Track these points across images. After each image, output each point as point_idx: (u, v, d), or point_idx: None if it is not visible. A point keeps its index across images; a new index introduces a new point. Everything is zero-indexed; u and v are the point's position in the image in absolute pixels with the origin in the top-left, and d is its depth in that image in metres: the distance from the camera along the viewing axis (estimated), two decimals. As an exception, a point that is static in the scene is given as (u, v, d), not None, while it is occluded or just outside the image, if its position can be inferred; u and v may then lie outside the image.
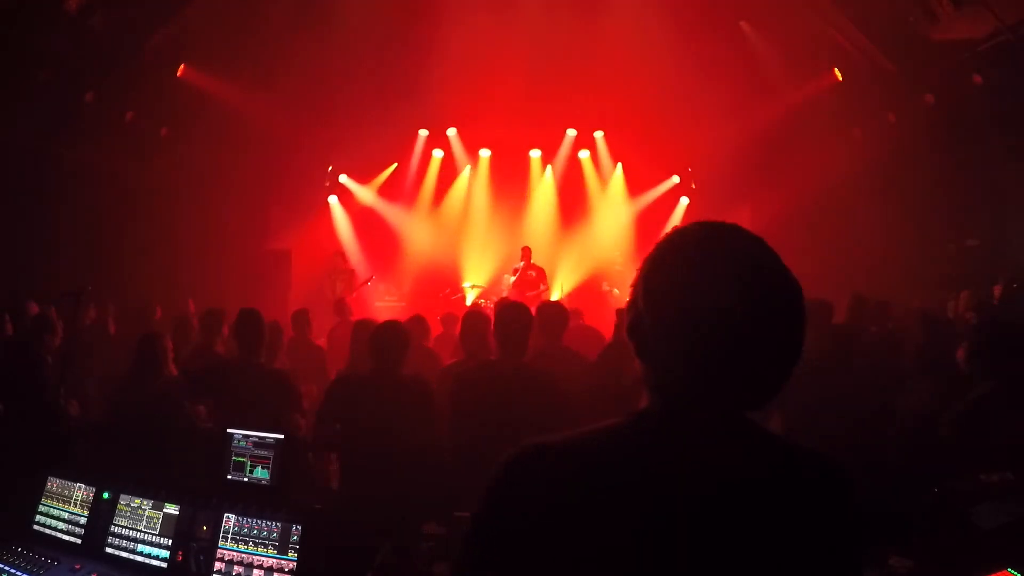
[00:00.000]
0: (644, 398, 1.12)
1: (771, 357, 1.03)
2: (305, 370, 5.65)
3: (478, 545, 1.07)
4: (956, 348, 4.97)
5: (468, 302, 11.73)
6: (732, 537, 0.99)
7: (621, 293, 11.03)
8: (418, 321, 5.98)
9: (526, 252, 11.03)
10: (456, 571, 1.10)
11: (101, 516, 2.66)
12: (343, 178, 13.09)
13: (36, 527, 2.76)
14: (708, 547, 0.98)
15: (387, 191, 13.31)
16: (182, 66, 9.45)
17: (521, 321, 3.64)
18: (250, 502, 2.53)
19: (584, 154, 13.25)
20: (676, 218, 12.96)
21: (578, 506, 1.00)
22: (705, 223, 1.09)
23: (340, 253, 11.57)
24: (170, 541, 2.52)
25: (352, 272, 11.26)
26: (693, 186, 13.08)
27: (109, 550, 2.61)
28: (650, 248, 1.13)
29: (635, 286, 1.10)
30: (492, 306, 9.60)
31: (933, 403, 4.11)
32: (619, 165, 13.23)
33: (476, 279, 12.53)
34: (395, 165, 13.17)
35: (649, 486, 1.01)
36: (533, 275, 10.85)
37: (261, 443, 2.84)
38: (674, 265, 1.06)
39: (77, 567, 2.54)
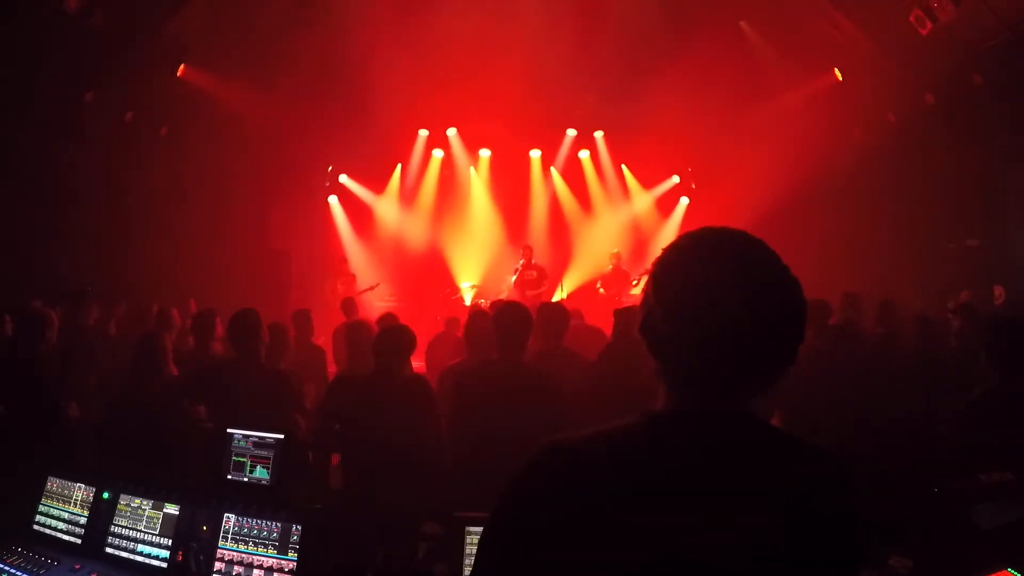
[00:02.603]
0: (659, 395, 1.16)
1: (773, 349, 1.09)
2: (305, 370, 5.65)
3: (498, 541, 1.09)
4: (949, 348, 4.98)
5: (467, 302, 11.73)
6: (748, 532, 1.02)
7: (607, 292, 11.04)
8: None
9: (527, 252, 11.03)
10: (476, 567, 1.12)
11: (101, 516, 2.66)
12: (343, 178, 13.09)
13: (36, 527, 2.76)
14: (725, 543, 1.01)
15: (386, 191, 13.32)
16: (182, 66, 9.45)
17: (520, 321, 3.64)
18: (250, 502, 2.53)
19: (584, 154, 13.25)
20: (676, 218, 12.97)
21: (597, 504, 1.03)
22: (712, 228, 1.16)
23: (342, 257, 11.57)
24: (170, 541, 2.52)
25: (353, 276, 11.27)
26: (693, 186, 13.08)
27: (109, 550, 2.61)
28: (650, 248, 1.16)
29: (648, 285, 1.17)
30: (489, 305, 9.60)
31: (929, 403, 4.12)
32: (623, 166, 13.23)
33: (475, 279, 12.53)
34: (399, 166, 13.18)
35: (667, 483, 1.04)
36: (534, 275, 10.84)
37: (261, 443, 2.84)
38: (684, 265, 1.12)
39: (77, 567, 2.54)
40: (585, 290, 12.14)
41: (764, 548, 1.03)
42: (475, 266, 12.92)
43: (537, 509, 1.06)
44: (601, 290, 11.22)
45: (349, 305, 7.82)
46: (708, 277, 1.09)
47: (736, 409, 1.11)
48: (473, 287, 12.27)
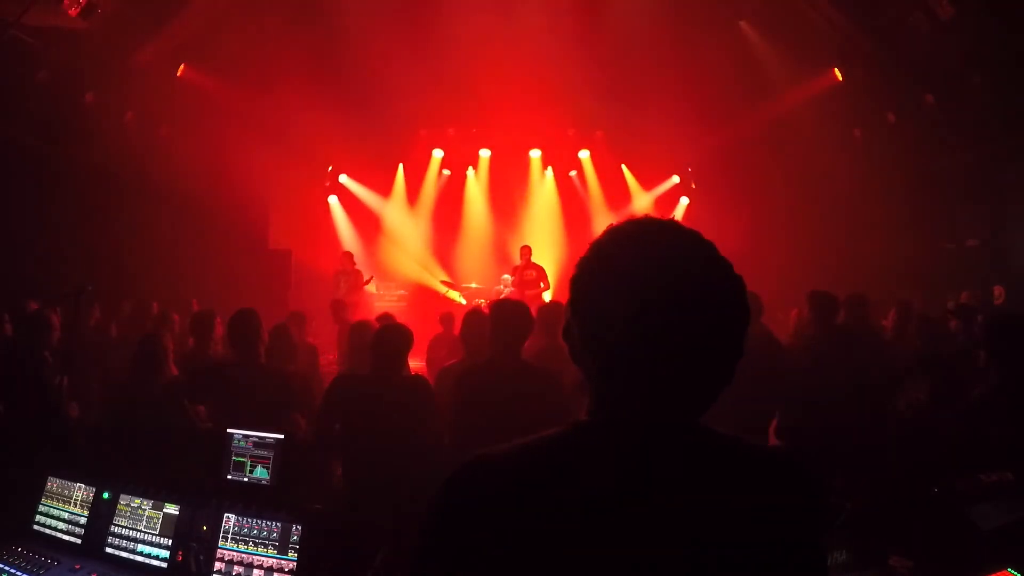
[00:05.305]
0: (583, 404, 1.08)
1: (698, 361, 0.97)
2: (303, 370, 5.64)
3: (426, 560, 1.04)
4: (951, 348, 4.98)
5: (464, 302, 11.73)
6: (686, 549, 0.95)
7: None
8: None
9: (526, 251, 11.03)
10: None
11: (101, 516, 2.66)
12: (343, 178, 13.09)
13: (36, 527, 2.76)
14: (658, 561, 0.94)
15: (386, 190, 13.32)
16: (182, 66, 9.45)
17: (520, 318, 3.64)
18: (250, 502, 2.53)
19: (584, 154, 13.26)
20: (676, 218, 12.95)
21: (516, 519, 0.97)
22: (638, 220, 1.05)
23: (348, 254, 11.54)
24: (170, 541, 2.52)
25: (358, 273, 11.27)
26: (693, 186, 13.10)
27: (109, 550, 2.60)
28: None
29: (569, 289, 1.08)
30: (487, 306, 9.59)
31: (930, 402, 4.12)
32: (623, 166, 13.24)
33: (474, 278, 12.54)
34: (400, 166, 13.19)
35: (586, 498, 0.97)
36: (533, 275, 10.84)
37: (261, 443, 2.84)
38: (595, 268, 1.02)
39: (77, 567, 2.54)
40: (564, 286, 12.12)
41: (706, 568, 0.94)
42: (474, 266, 12.93)
43: (460, 527, 1.00)
44: None
45: (338, 308, 7.77)
46: (607, 279, 0.99)
47: (669, 416, 1.00)
48: (469, 287, 12.26)
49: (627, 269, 0.98)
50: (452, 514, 1.03)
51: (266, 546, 2.42)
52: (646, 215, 1.07)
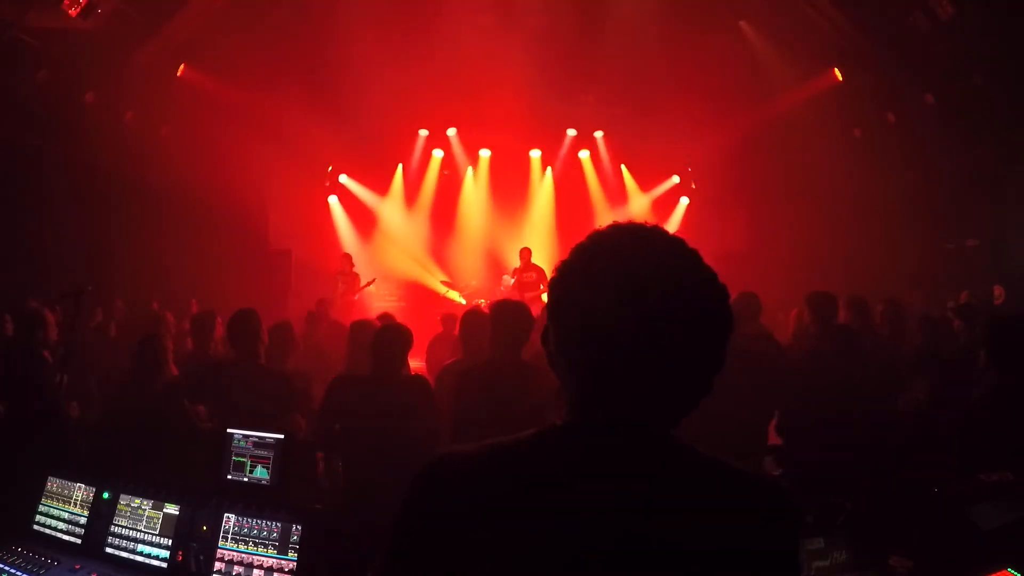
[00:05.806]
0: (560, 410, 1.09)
1: (671, 371, 0.97)
2: (310, 370, 5.62)
3: (393, 556, 1.05)
4: (951, 348, 4.98)
5: (464, 301, 11.73)
6: (637, 550, 0.94)
7: None
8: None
9: (525, 253, 11.02)
10: None
11: (101, 516, 2.66)
12: (343, 178, 13.09)
13: (36, 527, 2.76)
14: (610, 560, 0.94)
15: (386, 191, 13.32)
16: (182, 66, 9.45)
17: (520, 318, 3.64)
18: (250, 502, 2.53)
19: (584, 154, 13.26)
20: (676, 218, 12.98)
21: (478, 518, 0.98)
22: (621, 227, 1.05)
23: (346, 256, 11.54)
24: (170, 541, 2.52)
25: (355, 276, 11.27)
26: (693, 186, 13.09)
27: (109, 550, 2.61)
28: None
29: (548, 293, 1.08)
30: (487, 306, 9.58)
31: (929, 402, 4.12)
32: (623, 166, 13.24)
33: (474, 279, 12.54)
34: (400, 166, 13.19)
35: (549, 500, 0.97)
36: (533, 276, 10.83)
37: (261, 443, 2.84)
38: (573, 273, 1.02)
39: (77, 567, 2.54)
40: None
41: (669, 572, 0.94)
42: (473, 266, 12.93)
43: (423, 523, 1.01)
44: None
45: (322, 306, 7.76)
46: (584, 284, 0.99)
47: (640, 423, 1.00)
48: (469, 286, 12.26)
49: (604, 276, 0.98)
50: (416, 511, 1.04)
51: (266, 546, 2.42)
52: (631, 221, 1.06)
